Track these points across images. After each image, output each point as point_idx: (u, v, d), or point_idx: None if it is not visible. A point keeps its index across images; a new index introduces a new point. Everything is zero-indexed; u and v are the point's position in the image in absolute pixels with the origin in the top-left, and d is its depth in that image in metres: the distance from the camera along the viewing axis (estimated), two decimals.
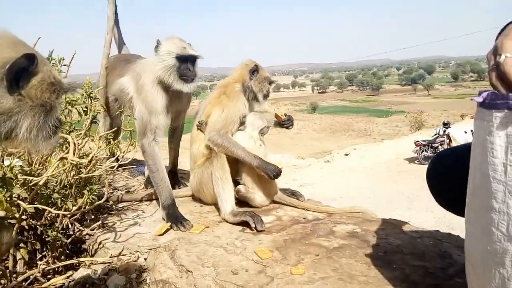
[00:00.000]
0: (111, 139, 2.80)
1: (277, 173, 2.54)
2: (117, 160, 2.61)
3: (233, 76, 2.89)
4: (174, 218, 2.43)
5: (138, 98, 2.73)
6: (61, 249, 2.17)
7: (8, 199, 1.73)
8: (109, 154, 2.91)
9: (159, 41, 2.63)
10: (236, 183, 2.66)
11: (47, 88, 1.13)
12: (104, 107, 3.17)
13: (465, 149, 1.43)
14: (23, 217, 1.96)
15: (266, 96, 2.86)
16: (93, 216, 2.62)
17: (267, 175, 2.54)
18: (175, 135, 3.19)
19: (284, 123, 2.92)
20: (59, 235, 2.11)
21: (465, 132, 14.77)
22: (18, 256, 1.99)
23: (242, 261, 1.94)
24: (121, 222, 2.56)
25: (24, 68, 1.06)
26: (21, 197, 1.92)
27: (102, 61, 3.38)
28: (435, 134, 16.44)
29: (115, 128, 3.04)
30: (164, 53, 2.58)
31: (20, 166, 1.95)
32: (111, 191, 3.16)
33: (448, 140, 15.77)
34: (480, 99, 1.10)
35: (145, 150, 2.66)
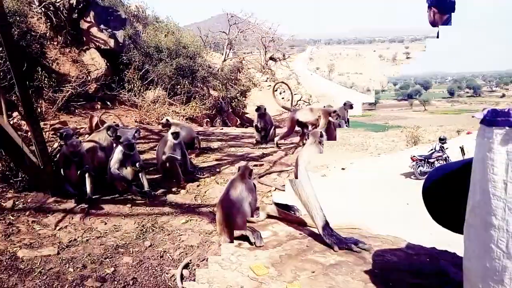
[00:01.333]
0: None
1: None
2: None
3: None
4: None
5: None
6: None
7: None
8: None
9: None
10: None
11: None
12: None
13: (461, 165, 1.43)
14: None
15: None
16: None
17: None
18: None
19: None
20: None
21: None
22: None
23: (237, 278, 1.91)
24: None
25: None
26: None
27: None
28: (431, 149, 16.46)
29: None
30: None
31: None
32: None
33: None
34: (481, 116, 1.10)
35: None
